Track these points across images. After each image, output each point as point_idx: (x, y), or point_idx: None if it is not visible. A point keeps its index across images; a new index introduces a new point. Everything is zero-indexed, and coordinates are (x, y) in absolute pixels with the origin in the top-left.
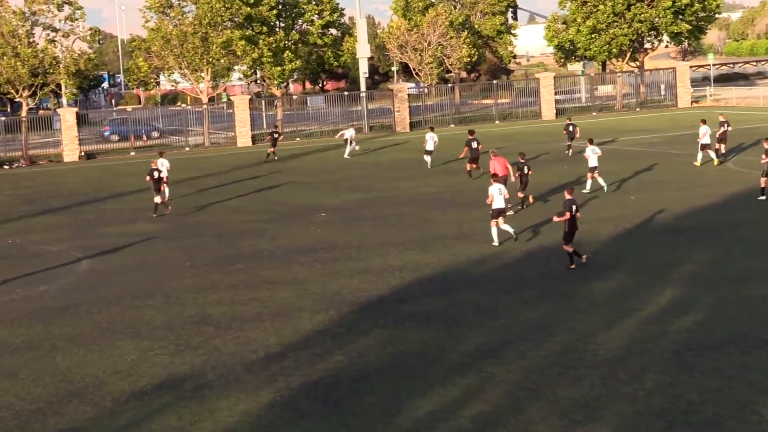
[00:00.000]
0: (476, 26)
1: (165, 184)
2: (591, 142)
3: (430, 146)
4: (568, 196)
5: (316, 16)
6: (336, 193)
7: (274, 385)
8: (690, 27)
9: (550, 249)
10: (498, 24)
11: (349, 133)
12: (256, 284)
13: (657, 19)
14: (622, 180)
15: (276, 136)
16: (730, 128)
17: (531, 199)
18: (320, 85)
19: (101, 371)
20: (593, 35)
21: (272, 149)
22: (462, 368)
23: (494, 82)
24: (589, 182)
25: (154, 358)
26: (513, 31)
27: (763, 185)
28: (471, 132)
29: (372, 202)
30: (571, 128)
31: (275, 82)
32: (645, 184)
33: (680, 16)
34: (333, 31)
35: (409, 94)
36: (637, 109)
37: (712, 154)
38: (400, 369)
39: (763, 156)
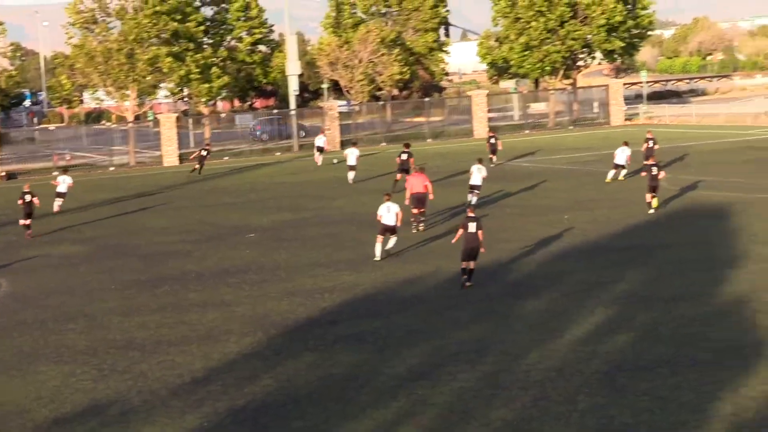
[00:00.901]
0: (408, 43)
1: (62, 198)
2: (480, 161)
3: (351, 161)
4: (470, 214)
5: (245, 32)
6: (265, 213)
7: (201, 410)
8: (623, 44)
9: (481, 269)
10: (430, 41)
11: (320, 140)
12: (182, 307)
13: (590, 36)
14: (555, 199)
15: (204, 153)
16: (656, 146)
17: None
18: (249, 102)
19: (23, 398)
20: (526, 52)
21: (198, 165)
22: (394, 391)
23: (426, 99)
24: (469, 196)
25: (78, 384)
26: (445, 48)
27: (649, 200)
28: (407, 145)
29: (302, 222)
30: (492, 140)
31: (203, 99)
32: (578, 203)
33: (613, 34)
34: (262, 47)
35: (339, 112)
36: (570, 127)
37: (611, 174)
38: (330, 393)
39: (642, 172)
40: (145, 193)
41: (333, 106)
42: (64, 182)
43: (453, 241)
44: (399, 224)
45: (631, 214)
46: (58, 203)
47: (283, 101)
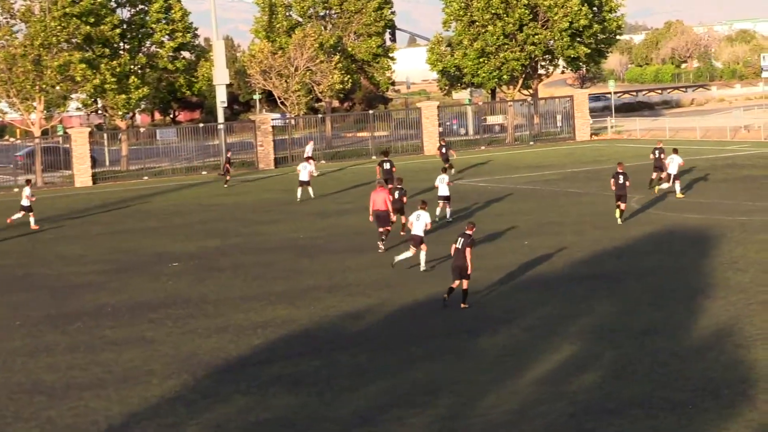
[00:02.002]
0: (350, 49)
1: (25, 212)
2: (444, 170)
3: (303, 176)
4: (466, 230)
5: (167, 37)
6: (190, 239)
7: None
8: (588, 51)
9: (435, 301)
10: (374, 47)
11: (309, 148)
12: (97, 345)
13: (552, 41)
14: (515, 222)
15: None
16: (663, 155)
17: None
18: (172, 115)
19: None
20: (481, 59)
21: (227, 177)
22: None
23: (370, 112)
24: (439, 210)
25: None
26: (391, 55)
27: (622, 208)
28: (385, 153)
29: (232, 250)
30: (444, 149)
31: (119, 112)
32: (541, 227)
33: (578, 39)
34: (186, 54)
35: (273, 126)
36: (531, 143)
37: (677, 186)
38: None
39: (612, 182)
40: (55, 217)
41: (266, 119)
42: (24, 194)
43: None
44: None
45: (599, 239)
46: (32, 220)
47: (210, 114)
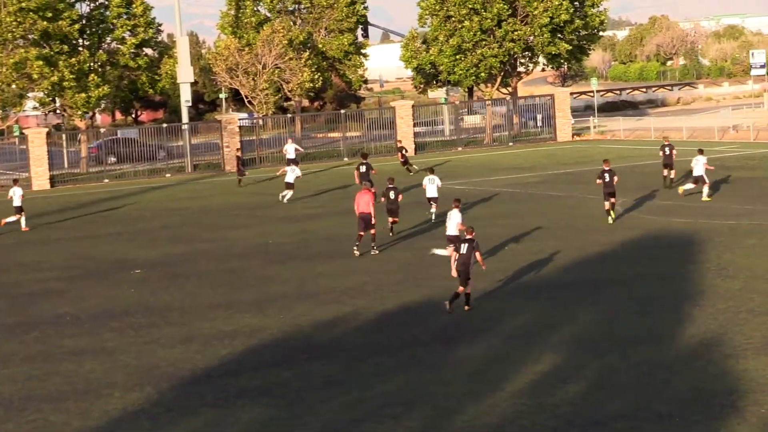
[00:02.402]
0: (320, 46)
1: (20, 214)
2: (431, 171)
3: (290, 177)
4: (466, 236)
5: (128, 32)
6: (153, 245)
7: None
8: (570, 47)
9: (409, 310)
10: (346, 43)
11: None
12: (56, 356)
13: (532, 37)
14: (494, 227)
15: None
16: (675, 152)
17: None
18: (133, 115)
19: None
20: (458, 56)
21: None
22: None
23: (342, 112)
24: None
25: None
26: (364, 52)
27: (607, 208)
28: (364, 156)
29: (197, 256)
30: (404, 151)
31: (79, 111)
32: (522, 232)
33: (559, 35)
34: (148, 51)
35: (240, 127)
36: (510, 144)
37: (688, 186)
38: None
39: (597, 179)
40: (13, 223)
41: (232, 119)
42: (16, 194)
43: (453, 273)
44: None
45: (582, 244)
46: (23, 221)
47: (174, 113)
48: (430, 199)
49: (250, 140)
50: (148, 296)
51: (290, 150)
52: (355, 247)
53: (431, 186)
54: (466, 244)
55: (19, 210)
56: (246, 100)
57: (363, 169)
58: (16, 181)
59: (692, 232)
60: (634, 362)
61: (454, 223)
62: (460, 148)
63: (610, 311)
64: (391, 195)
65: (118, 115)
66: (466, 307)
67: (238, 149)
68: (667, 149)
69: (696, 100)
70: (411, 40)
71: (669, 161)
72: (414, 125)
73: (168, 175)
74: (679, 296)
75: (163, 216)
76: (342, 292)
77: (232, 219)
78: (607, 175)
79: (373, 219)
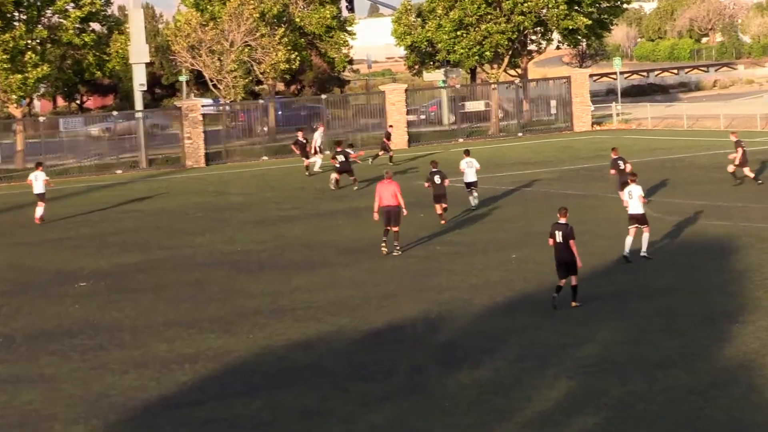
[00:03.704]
0: (298, 20)
1: (43, 202)
2: (467, 153)
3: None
4: (560, 220)
5: (72, 4)
6: (102, 254)
7: None
8: (589, 22)
9: (402, 328)
10: (328, 17)
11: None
12: None
13: (545, 10)
14: (500, 231)
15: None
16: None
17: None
18: (78, 101)
19: None
20: (459, 32)
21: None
22: None
23: (323, 97)
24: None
25: None
26: (349, 28)
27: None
28: (338, 144)
29: (154, 266)
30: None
31: (13, 96)
32: (531, 237)
33: (576, 7)
34: (96, 26)
35: (204, 115)
36: (519, 134)
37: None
38: None
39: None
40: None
41: (194, 105)
42: (37, 179)
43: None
44: None
45: (603, 251)
46: (39, 211)
47: (126, 99)
48: (469, 185)
49: (215, 130)
50: (95, 313)
51: (318, 138)
52: (382, 244)
53: (470, 170)
54: (561, 231)
55: (41, 197)
56: (210, 84)
57: (342, 158)
58: (39, 165)
59: (730, 237)
60: (662, 388)
61: (636, 199)
62: (461, 140)
63: (634, 329)
64: (437, 179)
65: (61, 102)
66: (573, 303)
67: (300, 131)
68: (740, 145)
69: (735, 83)
70: (404, 14)
71: (745, 157)
72: (407, 112)
73: (119, 171)
74: (713, 311)
75: (113, 219)
76: (322, 308)
77: (195, 222)
78: (621, 163)
79: (402, 212)
